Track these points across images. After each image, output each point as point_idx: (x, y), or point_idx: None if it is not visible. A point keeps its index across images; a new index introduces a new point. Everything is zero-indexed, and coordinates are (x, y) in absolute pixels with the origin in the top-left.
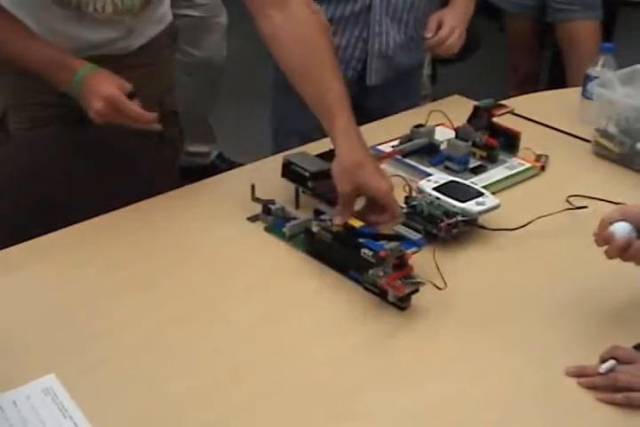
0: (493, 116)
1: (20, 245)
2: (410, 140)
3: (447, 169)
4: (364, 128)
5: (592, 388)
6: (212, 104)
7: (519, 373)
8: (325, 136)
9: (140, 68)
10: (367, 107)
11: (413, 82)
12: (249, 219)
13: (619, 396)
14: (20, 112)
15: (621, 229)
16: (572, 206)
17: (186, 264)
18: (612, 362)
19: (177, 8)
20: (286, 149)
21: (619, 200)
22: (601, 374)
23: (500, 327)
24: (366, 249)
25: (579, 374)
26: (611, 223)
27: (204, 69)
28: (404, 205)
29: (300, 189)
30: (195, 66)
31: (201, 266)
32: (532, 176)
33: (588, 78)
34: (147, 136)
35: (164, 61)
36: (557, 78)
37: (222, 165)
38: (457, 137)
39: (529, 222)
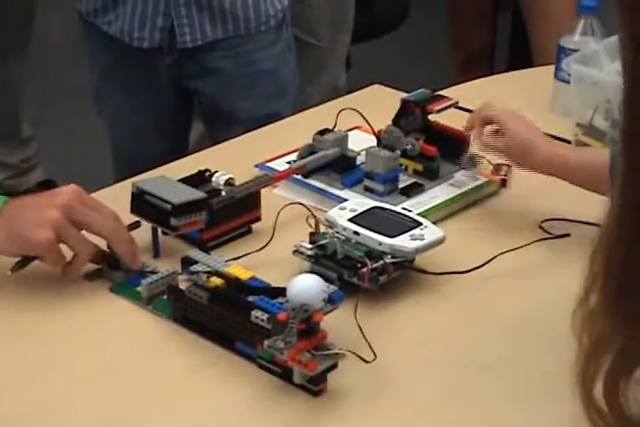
0: (430, 112)
1: None
2: (313, 152)
3: (368, 191)
4: (245, 137)
5: None
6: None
7: None
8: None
9: None
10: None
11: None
12: (87, 276)
13: None
14: None
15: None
16: (548, 235)
17: None
18: None
19: None
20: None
21: None
22: None
23: (451, 412)
24: (259, 311)
25: None
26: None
27: None
28: (308, 246)
29: (160, 230)
30: None
31: (18, 350)
32: (490, 195)
33: (562, 52)
34: None
35: None
36: (520, 54)
37: None
38: (380, 145)
39: (488, 261)
